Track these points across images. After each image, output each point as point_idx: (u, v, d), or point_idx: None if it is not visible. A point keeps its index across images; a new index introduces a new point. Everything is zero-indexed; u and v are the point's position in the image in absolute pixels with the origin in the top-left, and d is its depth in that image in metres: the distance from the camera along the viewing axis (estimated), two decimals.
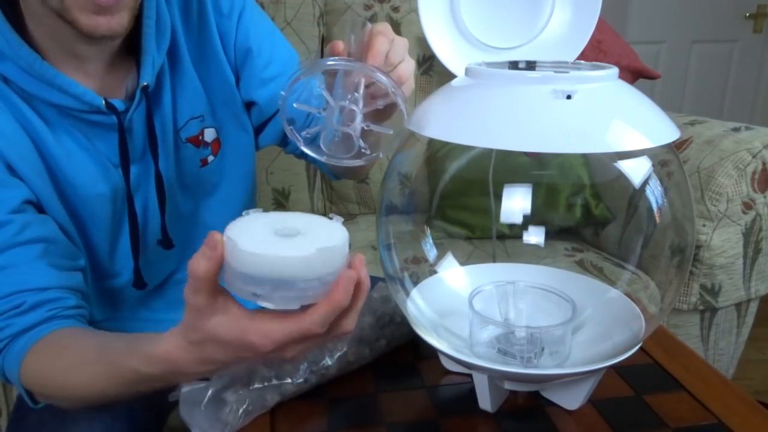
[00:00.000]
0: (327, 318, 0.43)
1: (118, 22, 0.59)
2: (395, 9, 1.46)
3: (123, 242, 0.74)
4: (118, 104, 0.66)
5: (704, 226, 1.13)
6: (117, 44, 0.66)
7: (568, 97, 0.45)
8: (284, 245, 0.41)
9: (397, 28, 1.45)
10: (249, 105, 0.81)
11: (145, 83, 0.67)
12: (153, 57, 0.67)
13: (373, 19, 1.43)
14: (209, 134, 0.77)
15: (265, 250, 0.40)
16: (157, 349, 0.49)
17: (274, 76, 0.79)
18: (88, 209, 0.69)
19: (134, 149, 0.70)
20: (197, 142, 0.76)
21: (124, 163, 0.69)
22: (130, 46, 0.68)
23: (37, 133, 0.64)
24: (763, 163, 1.11)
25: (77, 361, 0.56)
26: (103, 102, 0.65)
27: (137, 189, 0.72)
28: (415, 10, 1.40)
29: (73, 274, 0.65)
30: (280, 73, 0.79)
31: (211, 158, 0.79)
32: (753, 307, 1.25)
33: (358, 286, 0.44)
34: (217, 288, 0.44)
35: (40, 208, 0.64)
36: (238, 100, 0.79)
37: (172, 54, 0.71)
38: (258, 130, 0.84)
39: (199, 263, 0.42)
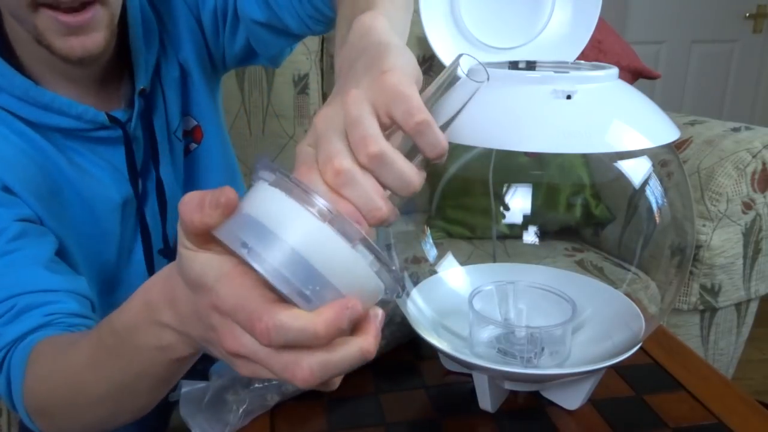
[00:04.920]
0: (333, 323, 0.29)
1: (93, 42, 0.56)
2: None
3: (136, 255, 0.71)
4: (120, 115, 0.65)
5: (704, 226, 1.13)
6: (107, 59, 0.65)
7: (568, 97, 0.45)
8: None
9: None
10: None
11: (142, 87, 0.66)
12: (145, 57, 0.66)
13: None
14: (189, 122, 0.76)
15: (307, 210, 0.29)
16: (138, 290, 0.41)
17: None
18: (103, 226, 0.67)
19: (140, 158, 0.69)
20: (186, 135, 0.75)
21: (133, 174, 0.67)
22: (121, 53, 0.66)
23: (49, 158, 0.61)
24: (763, 163, 1.11)
25: (71, 340, 0.50)
26: (105, 116, 0.63)
27: (146, 199, 0.70)
28: (415, 10, 1.40)
29: (76, 278, 0.59)
30: None
31: (193, 146, 0.76)
32: (753, 307, 1.25)
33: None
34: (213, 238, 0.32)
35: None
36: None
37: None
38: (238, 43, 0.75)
39: (192, 215, 0.30)
